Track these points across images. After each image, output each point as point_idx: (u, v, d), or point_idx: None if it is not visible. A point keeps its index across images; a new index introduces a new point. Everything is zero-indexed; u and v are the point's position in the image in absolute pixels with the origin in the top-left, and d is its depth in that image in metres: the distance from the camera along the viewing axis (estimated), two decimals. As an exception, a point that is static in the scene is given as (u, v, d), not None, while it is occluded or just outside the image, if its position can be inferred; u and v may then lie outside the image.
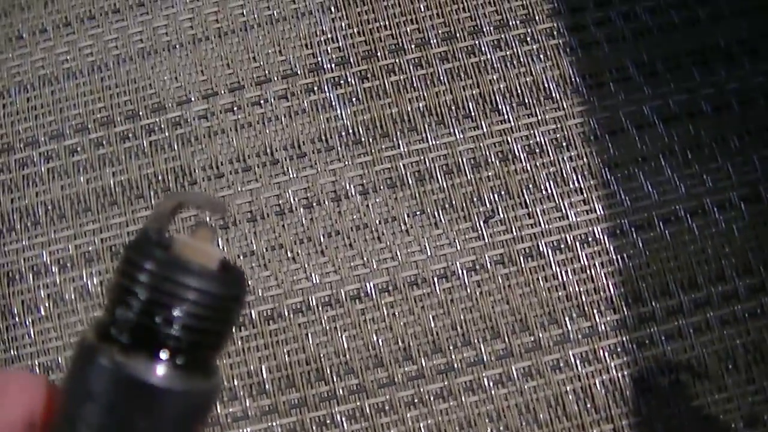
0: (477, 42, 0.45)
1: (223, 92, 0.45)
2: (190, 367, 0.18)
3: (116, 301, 0.18)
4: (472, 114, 0.44)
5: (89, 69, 0.46)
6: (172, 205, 0.19)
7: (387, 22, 0.45)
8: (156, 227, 0.18)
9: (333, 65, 0.45)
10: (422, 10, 0.46)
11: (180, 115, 0.45)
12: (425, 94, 0.44)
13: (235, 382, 0.42)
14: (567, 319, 0.41)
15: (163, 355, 0.17)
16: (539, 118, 0.44)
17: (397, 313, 0.42)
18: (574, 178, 0.43)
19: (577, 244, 0.42)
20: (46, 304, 0.43)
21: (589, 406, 0.41)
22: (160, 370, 0.17)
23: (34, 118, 0.46)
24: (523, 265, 0.42)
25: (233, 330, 0.19)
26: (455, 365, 0.41)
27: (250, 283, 0.43)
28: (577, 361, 0.41)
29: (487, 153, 0.43)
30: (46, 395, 0.18)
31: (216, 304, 0.18)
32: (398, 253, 0.42)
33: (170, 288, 0.17)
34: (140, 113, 0.45)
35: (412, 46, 0.45)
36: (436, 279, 0.42)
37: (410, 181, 0.43)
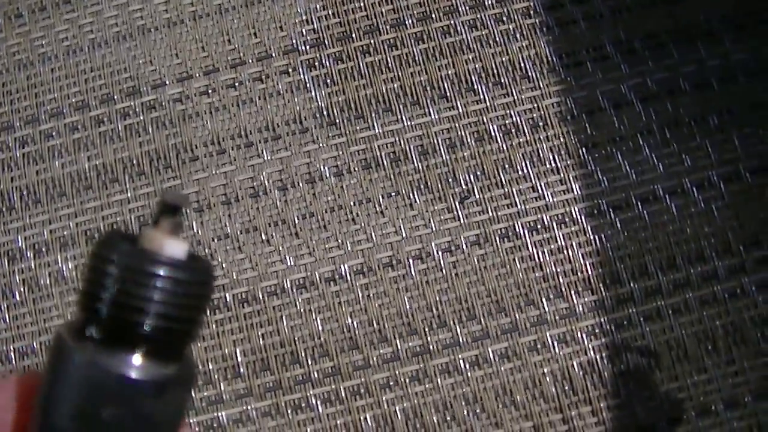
0: (452, 22, 0.44)
1: (197, 75, 0.45)
2: (165, 356, 0.18)
3: (87, 297, 0.18)
4: (448, 94, 0.44)
5: (64, 53, 0.46)
6: (158, 209, 0.19)
7: (362, 3, 0.45)
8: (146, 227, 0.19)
9: (308, 47, 0.45)
10: (398, -10, 0.45)
11: (155, 99, 0.45)
12: (400, 75, 0.44)
13: (210, 366, 0.41)
14: (544, 300, 0.41)
15: (137, 347, 0.17)
16: (515, 97, 0.43)
17: (371, 295, 0.41)
18: (551, 158, 0.42)
19: (554, 224, 0.42)
20: (21, 290, 0.43)
21: (567, 388, 0.40)
22: (136, 361, 0.17)
23: (9, 103, 0.46)
24: (499, 246, 0.42)
25: (203, 317, 0.19)
26: (431, 347, 0.41)
27: (224, 266, 0.42)
28: (555, 343, 0.41)
29: (463, 133, 0.43)
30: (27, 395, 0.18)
31: (185, 293, 0.18)
32: (373, 235, 0.42)
33: (139, 280, 0.17)
34: (115, 97, 0.45)
35: (387, 27, 0.45)
36: (411, 260, 0.42)
37: (385, 163, 0.43)
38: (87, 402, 0.17)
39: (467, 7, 0.45)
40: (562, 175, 0.42)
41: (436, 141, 0.43)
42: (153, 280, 0.17)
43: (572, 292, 0.41)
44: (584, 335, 0.41)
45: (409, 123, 0.43)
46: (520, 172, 0.42)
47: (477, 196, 0.42)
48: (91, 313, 0.18)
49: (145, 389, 0.17)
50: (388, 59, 0.44)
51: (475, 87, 0.43)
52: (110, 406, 0.17)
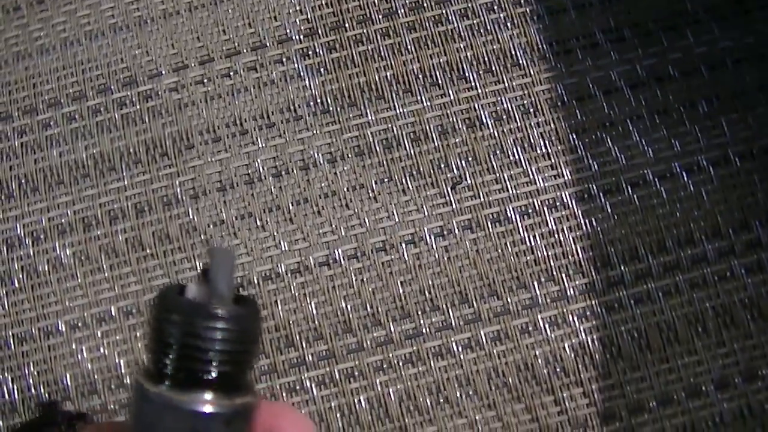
0: (444, 11, 0.45)
1: (193, 65, 0.46)
2: (230, 390, 0.21)
3: (157, 347, 0.21)
4: (440, 82, 0.44)
5: (62, 44, 0.47)
6: (204, 266, 0.22)
7: (355, -7, 0.46)
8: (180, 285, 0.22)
9: (301, 36, 0.46)
10: (390, -19, 0.46)
11: (151, 89, 0.45)
12: (393, 63, 0.45)
13: (206, 350, 0.42)
14: (535, 283, 0.41)
15: (205, 385, 0.21)
16: (506, 84, 0.44)
17: (365, 279, 0.42)
18: (542, 143, 0.43)
19: (545, 208, 0.42)
20: (20, 276, 0.44)
21: (558, 370, 0.41)
22: (206, 398, 0.20)
23: (7, 93, 0.46)
24: (490, 230, 0.42)
25: (258, 348, 0.23)
26: (424, 330, 0.41)
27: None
28: (546, 325, 0.41)
29: (455, 120, 0.44)
30: None
31: (237, 332, 0.21)
32: (366, 220, 0.43)
33: (198, 334, 0.21)
34: (112, 87, 0.46)
35: (380, 17, 0.45)
36: (404, 245, 0.42)
37: (378, 149, 0.44)
38: None
39: (458, -4, 0.45)
40: (552, 160, 0.43)
41: (428, 128, 0.44)
42: (210, 332, 0.21)
43: (563, 275, 0.41)
44: (575, 318, 0.41)
45: (401, 110, 0.44)
46: (511, 158, 0.43)
47: (469, 182, 0.43)
48: (162, 363, 0.21)
49: (217, 420, 0.20)
50: (381, 48, 0.45)
51: (467, 75, 0.44)
52: None
